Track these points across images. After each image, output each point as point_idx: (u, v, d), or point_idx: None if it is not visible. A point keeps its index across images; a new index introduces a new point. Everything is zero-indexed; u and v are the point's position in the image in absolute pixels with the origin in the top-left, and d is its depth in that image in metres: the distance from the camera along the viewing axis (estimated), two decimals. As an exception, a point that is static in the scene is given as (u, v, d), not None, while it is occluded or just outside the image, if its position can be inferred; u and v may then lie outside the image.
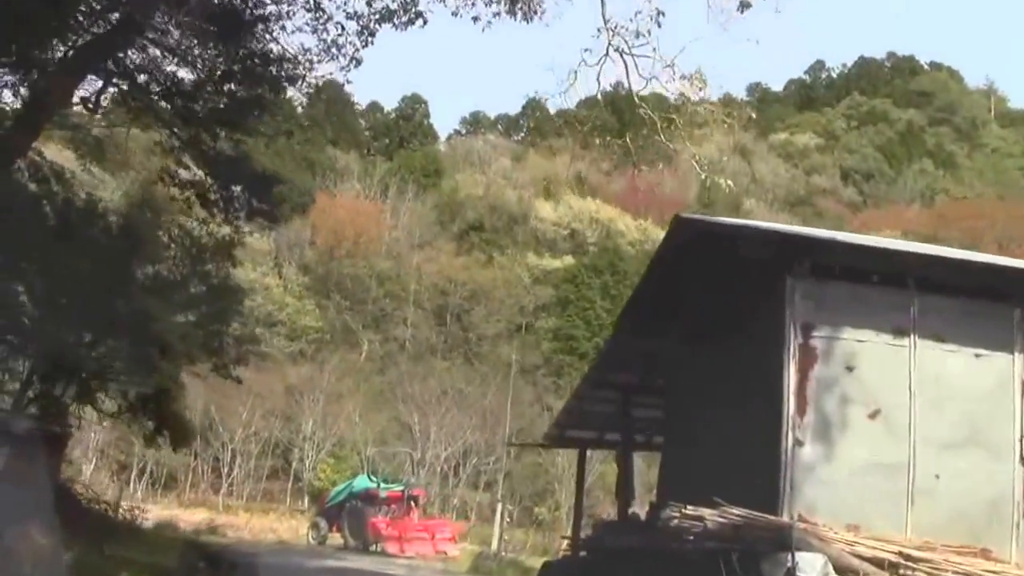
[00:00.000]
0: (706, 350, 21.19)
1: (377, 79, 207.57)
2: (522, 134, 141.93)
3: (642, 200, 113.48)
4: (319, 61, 29.06)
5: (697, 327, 21.51)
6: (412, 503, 45.60)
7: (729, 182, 25.77)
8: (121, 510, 30.47)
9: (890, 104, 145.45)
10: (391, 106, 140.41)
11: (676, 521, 16.55)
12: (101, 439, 74.80)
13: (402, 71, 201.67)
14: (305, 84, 29.91)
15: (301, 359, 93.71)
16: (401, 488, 46.25)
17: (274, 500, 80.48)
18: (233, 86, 26.31)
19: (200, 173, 27.81)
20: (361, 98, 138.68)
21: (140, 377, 23.00)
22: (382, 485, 46.28)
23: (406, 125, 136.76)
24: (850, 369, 17.76)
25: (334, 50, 28.29)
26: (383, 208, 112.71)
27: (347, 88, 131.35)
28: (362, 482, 47.02)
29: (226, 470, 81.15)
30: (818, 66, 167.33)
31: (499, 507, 59.55)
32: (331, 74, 29.54)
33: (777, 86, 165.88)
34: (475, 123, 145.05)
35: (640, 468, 31.53)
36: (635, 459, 28.62)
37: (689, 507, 16.59)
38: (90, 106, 28.47)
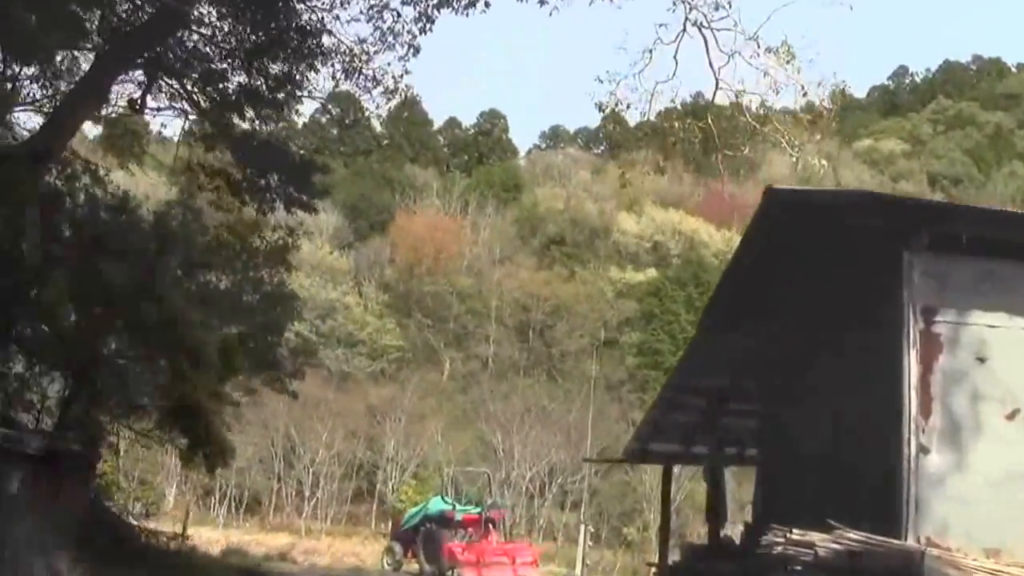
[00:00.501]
0: (807, 345, 18.02)
1: (455, 96, 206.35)
2: (602, 147, 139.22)
3: (725, 210, 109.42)
4: (376, 51, 26.79)
5: (795, 319, 18.39)
6: (490, 526, 42.64)
7: (823, 162, 23.04)
8: (166, 537, 28.08)
9: (977, 107, 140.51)
10: (469, 122, 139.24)
11: (780, 547, 13.49)
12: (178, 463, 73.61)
13: (480, 87, 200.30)
14: (362, 77, 27.15)
15: (382, 379, 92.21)
16: (478, 510, 43.36)
17: (359, 523, 78.86)
18: (265, 61, 23.76)
19: (231, 158, 25.36)
20: (439, 115, 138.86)
21: (170, 390, 20.49)
22: (458, 507, 43.41)
23: (485, 141, 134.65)
24: (982, 360, 14.71)
25: (391, 38, 26.14)
26: (463, 224, 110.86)
27: (425, 105, 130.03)
28: (437, 504, 44.18)
29: (308, 493, 79.59)
30: (901, 71, 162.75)
31: (582, 529, 56.86)
32: (388, 64, 26.93)
33: (860, 93, 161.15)
34: (554, 137, 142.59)
35: (730, 485, 28.33)
36: (725, 474, 25.50)
37: (795, 530, 13.55)
38: (137, 107, 26.51)
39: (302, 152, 26.30)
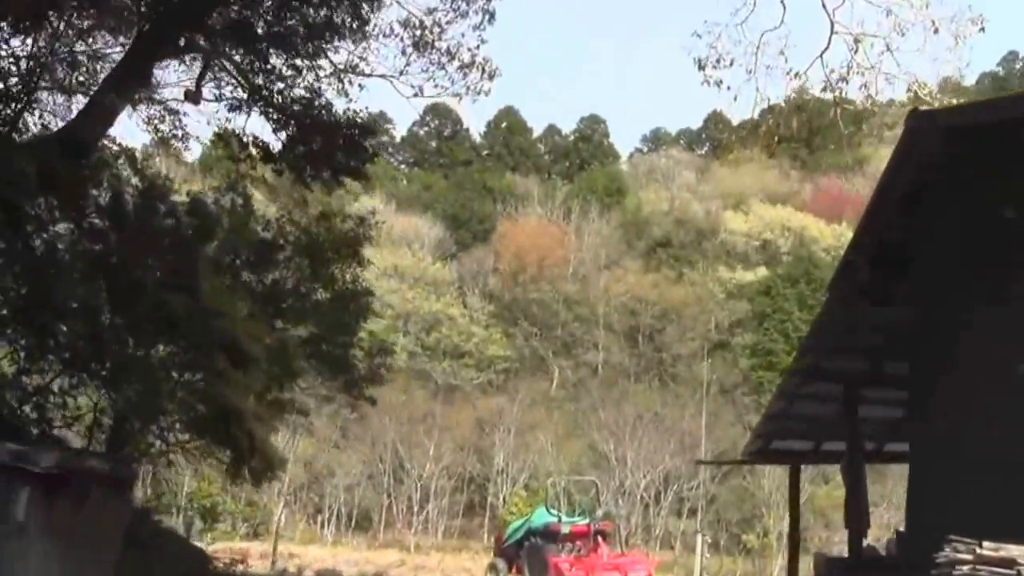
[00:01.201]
0: (974, 312, 14.03)
1: (554, 102, 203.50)
2: (705, 148, 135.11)
3: (834, 204, 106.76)
4: (448, 22, 24.09)
5: (957, 279, 14.43)
6: (600, 538, 38.82)
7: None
8: (223, 562, 25.22)
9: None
10: (569, 128, 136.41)
11: (968, 567, 9.68)
12: (291, 481, 73.13)
13: (579, 93, 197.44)
14: (435, 50, 23.92)
15: (490, 390, 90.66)
16: (587, 522, 39.56)
17: (471, 537, 77.72)
18: (305, 8, 20.64)
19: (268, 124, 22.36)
20: (538, 122, 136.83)
21: (207, 394, 17.38)
22: (564, 519, 39.61)
23: (585, 146, 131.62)
24: None
25: (462, 5, 23.72)
26: (566, 230, 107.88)
27: (523, 113, 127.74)
28: (541, 517, 40.39)
29: (417, 508, 78.62)
30: (1011, 57, 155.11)
31: (699, 539, 53.23)
32: (463, 35, 23.74)
33: (969, 80, 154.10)
34: (656, 140, 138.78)
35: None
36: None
37: (986, 543, 9.75)
38: (193, 98, 23.60)
39: (352, 112, 22.82)
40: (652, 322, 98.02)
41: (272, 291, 24.27)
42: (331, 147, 22.60)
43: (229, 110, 22.82)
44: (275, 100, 21.78)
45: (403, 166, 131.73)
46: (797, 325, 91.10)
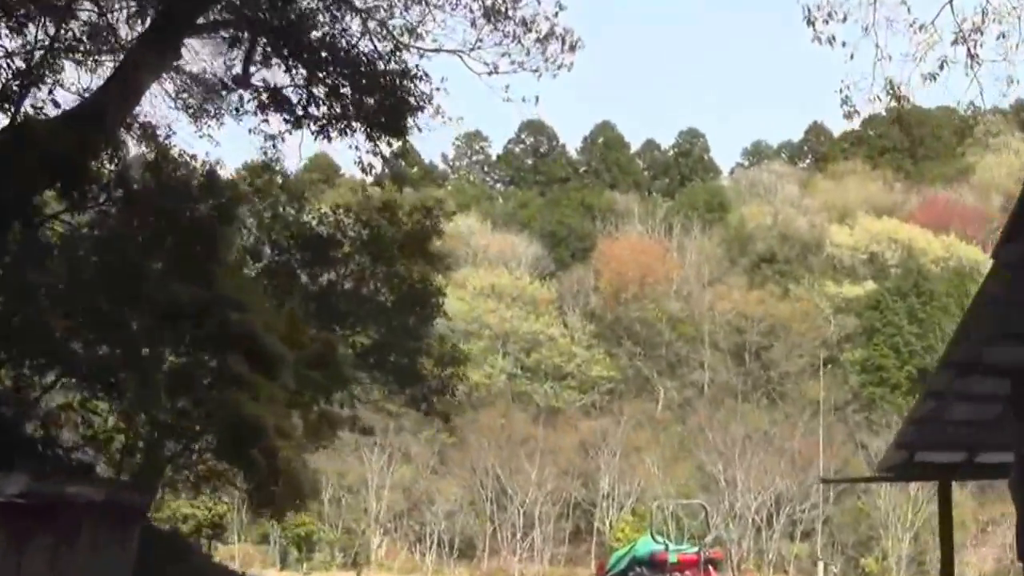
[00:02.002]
0: None
1: (652, 118, 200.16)
2: (807, 160, 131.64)
3: (942, 215, 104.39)
4: None
5: None
6: (711, 567, 34.86)
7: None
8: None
9: None
10: (668, 143, 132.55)
11: None
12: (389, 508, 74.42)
13: (677, 108, 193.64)
14: (509, 21, 20.72)
15: (594, 412, 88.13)
16: (696, 550, 35.62)
17: (579, 564, 76.11)
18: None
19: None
20: (636, 137, 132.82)
21: (219, 405, 13.96)
22: (672, 547, 35.69)
23: (685, 161, 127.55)
24: None
25: None
26: (668, 247, 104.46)
27: (620, 128, 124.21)
28: (646, 545, 36.59)
29: (521, 535, 77.30)
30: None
31: (820, 566, 49.41)
32: (538, 2, 21.08)
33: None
34: (757, 153, 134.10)
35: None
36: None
37: None
38: (240, 81, 20.57)
39: (394, 61, 19.39)
40: (758, 339, 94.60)
41: (327, 291, 20.93)
42: (362, 92, 19.11)
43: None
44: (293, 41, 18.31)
45: (499, 185, 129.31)
46: (908, 339, 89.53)
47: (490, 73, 21.38)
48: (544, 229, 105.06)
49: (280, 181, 21.07)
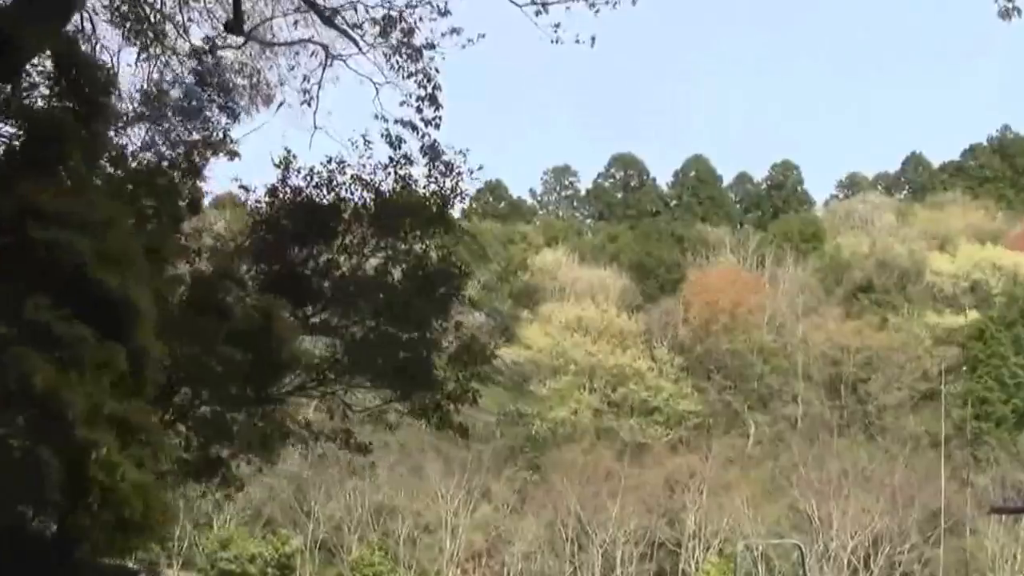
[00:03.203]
0: None
1: (744, 151, 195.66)
2: (904, 191, 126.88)
3: None
4: None
5: None
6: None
7: None
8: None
9: None
10: (761, 175, 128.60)
11: None
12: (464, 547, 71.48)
13: (770, 141, 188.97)
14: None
15: (681, 447, 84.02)
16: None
17: None
18: None
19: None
20: (728, 170, 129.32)
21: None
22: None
23: (778, 194, 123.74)
24: None
25: None
26: (760, 278, 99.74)
27: (712, 162, 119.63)
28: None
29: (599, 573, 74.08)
30: None
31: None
32: None
33: None
34: (852, 185, 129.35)
35: None
36: None
37: None
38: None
39: None
40: (855, 371, 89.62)
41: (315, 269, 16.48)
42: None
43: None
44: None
45: (589, 220, 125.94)
46: (1014, 371, 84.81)
47: (538, 12, 17.38)
48: (632, 261, 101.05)
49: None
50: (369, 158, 18.42)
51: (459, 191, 18.76)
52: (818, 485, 72.18)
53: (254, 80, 19.45)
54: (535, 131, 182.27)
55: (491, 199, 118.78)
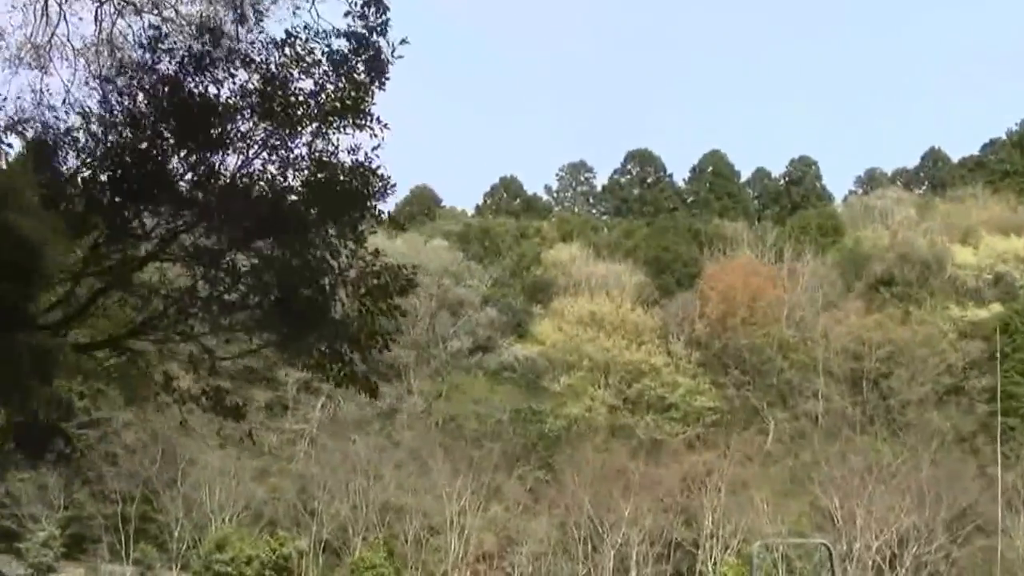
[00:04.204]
0: None
1: (763, 145, 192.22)
2: (923, 187, 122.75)
3: None
4: None
5: None
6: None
7: None
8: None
9: None
10: (779, 171, 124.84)
11: None
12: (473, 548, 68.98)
13: (789, 136, 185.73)
14: None
15: (698, 444, 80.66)
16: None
17: None
18: None
19: None
20: (745, 166, 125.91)
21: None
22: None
23: (796, 189, 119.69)
24: None
25: None
26: (778, 272, 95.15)
27: (731, 158, 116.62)
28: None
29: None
30: None
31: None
32: None
33: None
34: (870, 181, 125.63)
35: None
36: None
37: None
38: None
39: None
40: (877, 366, 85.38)
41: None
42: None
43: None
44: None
45: (605, 216, 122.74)
46: None
47: None
48: (648, 256, 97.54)
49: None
50: (260, 32, 14.05)
51: (380, 72, 14.04)
52: (840, 483, 69.66)
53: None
54: (551, 128, 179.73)
55: (505, 195, 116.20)
